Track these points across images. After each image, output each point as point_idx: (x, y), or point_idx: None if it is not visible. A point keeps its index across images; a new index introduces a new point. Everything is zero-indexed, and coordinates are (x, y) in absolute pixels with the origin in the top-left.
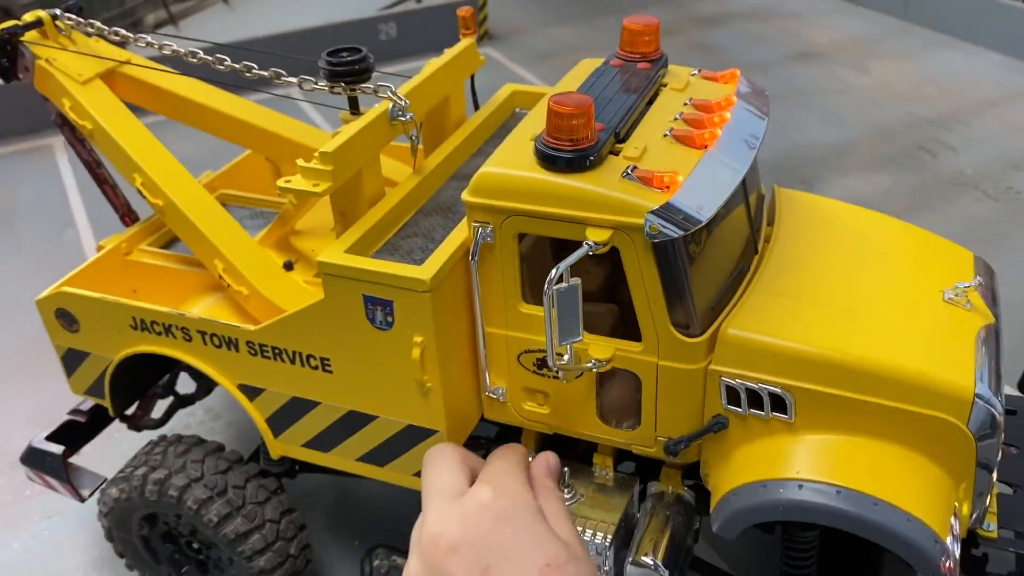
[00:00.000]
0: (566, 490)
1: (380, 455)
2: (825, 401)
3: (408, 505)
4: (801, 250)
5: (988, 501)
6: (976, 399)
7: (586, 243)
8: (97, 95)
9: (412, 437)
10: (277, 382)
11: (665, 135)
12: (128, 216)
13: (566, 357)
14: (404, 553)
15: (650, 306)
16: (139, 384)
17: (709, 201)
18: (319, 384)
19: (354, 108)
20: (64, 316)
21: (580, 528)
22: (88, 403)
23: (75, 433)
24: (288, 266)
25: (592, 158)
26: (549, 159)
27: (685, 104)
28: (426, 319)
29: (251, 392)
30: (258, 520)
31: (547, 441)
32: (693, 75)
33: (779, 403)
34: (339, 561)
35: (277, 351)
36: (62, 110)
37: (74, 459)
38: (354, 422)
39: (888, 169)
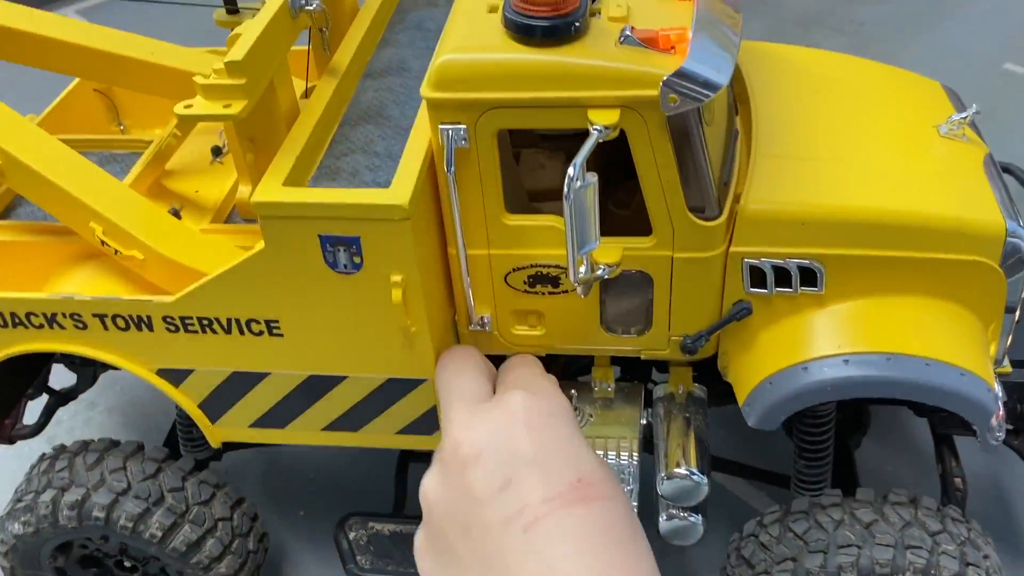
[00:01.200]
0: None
1: (353, 419)
2: (858, 264)
3: (346, 459)
4: (784, 104)
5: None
6: (1008, 236)
7: (593, 129)
8: None
9: (394, 392)
10: (208, 359)
11: None
12: None
13: (582, 268)
14: (380, 517)
15: (664, 192)
16: (10, 390)
17: (724, 60)
18: (266, 352)
19: (230, 4)
20: None
21: (600, 451)
22: None
23: None
24: (175, 213)
25: (578, 23)
26: (526, 30)
27: None
28: (407, 252)
29: (175, 376)
30: (208, 522)
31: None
32: None
33: (809, 276)
34: (292, 537)
35: (205, 322)
36: None
37: None
38: (316, 387)
39: None
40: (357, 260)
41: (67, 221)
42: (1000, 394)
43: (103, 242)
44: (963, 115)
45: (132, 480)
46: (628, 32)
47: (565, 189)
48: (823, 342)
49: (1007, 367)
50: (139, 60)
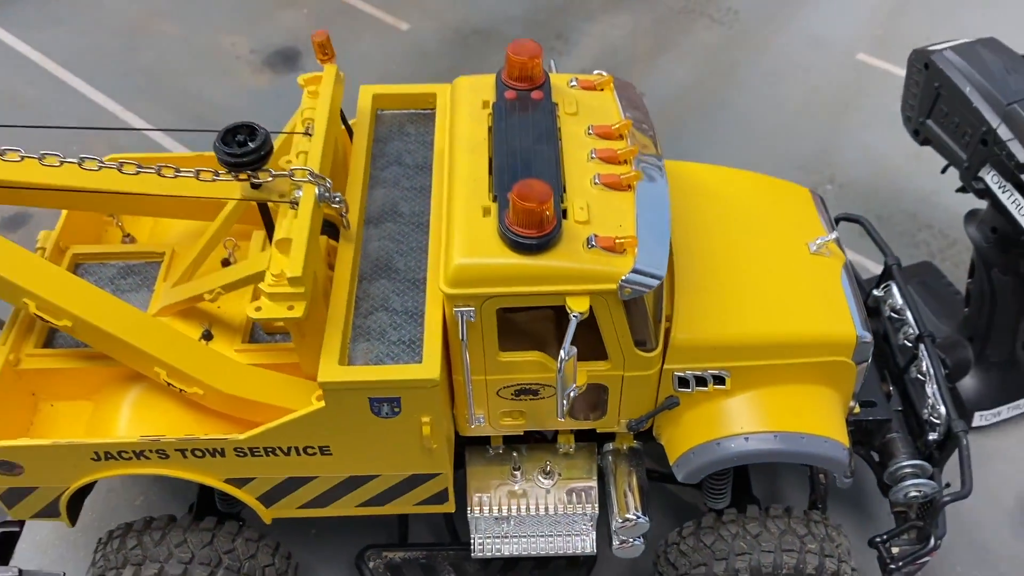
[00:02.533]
0: (543, 476)
1: (382, 499)
2: (754, 369)
3: None
4: (692, 233)
5: None
6: (858, 341)
7: (572, 315)
8: None
9: (415, 481)
10: (269, 470)
11: (595, 183)
12: None
13: (565, 403)
14: (392, 547)
15: (618, 340)
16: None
17: (660, 252)
18: (317, 464)
19: (256, 189)
20: (4, 465)
21: (571, 502)
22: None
23: (9, 542)
24: (207, 335)
25: (555, 237)
26: (521, 247)
27: (588, 133)
28: (434, 403)
29: (239, 482)
30: (258, 571)
31: (514, 437)
32: (572, 86)
33: (718, 379)
34: (309, 554)
35: (269, 450)
36: None
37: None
38: (355, 483)
39: (624, 6)
40: (396, 410)
41: (133, 366)
42: (849, 449)
43: (168, 383)
44: (827, 239)
45: (194, 549)
46: (593, 241)
47: (559, 364)
48: (729, 424)
49: (857, 409)
50: (144, 194)
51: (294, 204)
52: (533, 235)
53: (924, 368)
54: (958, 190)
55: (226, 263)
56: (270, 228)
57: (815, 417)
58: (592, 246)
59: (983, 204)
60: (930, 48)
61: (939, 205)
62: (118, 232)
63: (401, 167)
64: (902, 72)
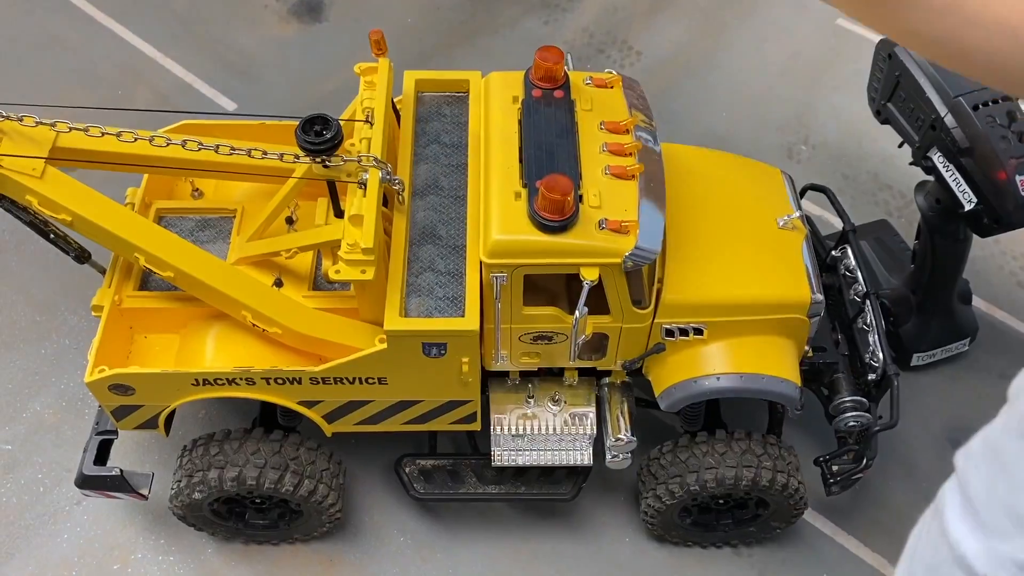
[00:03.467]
0: (551, 403)
1: (423, 419)
2: (725, 324)
3: None
4: (680, 210)
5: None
6: (811, 302)
7: (585, 283)
8: (60, 185)
9: (451, 406)
10: (335, 395)
11: (605, 173)
12: (82, 255)
13: (575, 349)
14: (424, 456)
15: (619, 300)
16: None
17: (656, 231)
18: (374, 390)
19: (326, 169)
20: (119, 388)
21: (574, 423)
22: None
23: (107, 447)
24: (279, 283)
25: (574, 220)
26: (546, 228)
27: (600, 128)
28: (472, 348)
29: (309, 404)
30: (317, 475)
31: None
32: (587, 84)
33: (697, 331)
34: (352, 462)
35: (338, 379)
36: (28, 207)
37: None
38: (403, 405)
39: None
40: (442, 352)
41: (222, 308)
42: (800, 387)
43: (253, 324)
44: (792, 216)
45: (267, 456)
46: (604, 224)
47: (575, 318)
48: (705, 366)
49: (810, 353)
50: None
51: (362, 184)
52: (556, 219)
53: (868, 320)
54: (910, 163)
55: (289, 221)
56: (335, 198)
57: (774, 361)
58: (603, 228)
59: (931, 178)
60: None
61: (898, 168)
62: (187, 187)
63: (440, 145)
64: (875, 39)
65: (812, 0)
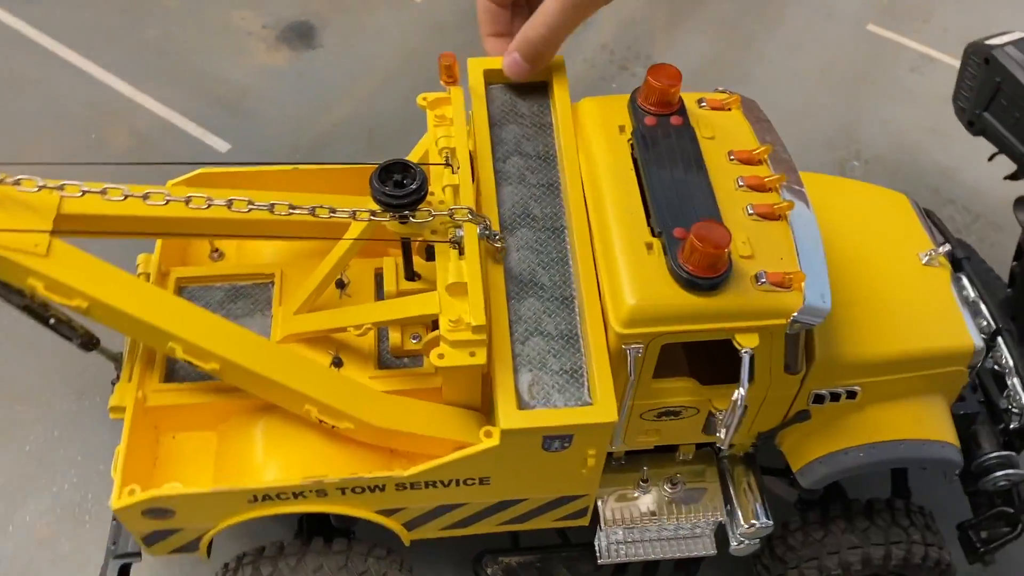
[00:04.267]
0: (668, 486)
1: (524, 518)
2: (882, 384)
3: None
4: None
5: None
6: (974, 351)
7: (744, 351)
8: (70, 264)
9: (562, 501)
10: (423, 501)
11: (749, 213)
12: (90, 342)
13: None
14: (507, 552)
15: (770, 367)
16: None
17: (822, 283)
18: (472, 492)
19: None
20: (155, 512)
21: (695, 504)
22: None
23: (127, 569)
24: (337, 362)
25: (728, 277)
26: (696, 286)
27: (731, 159)
28: (604, 438)
29: (389, 512)
30: None
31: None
32: (702, 106)
33: (850, 394)
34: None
35: (430, 483)
36: (32, 293)
37: None
38: (503, 505)
39: None
40: (566, 444)
41: (279, 403)
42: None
43: (320, 420)
44: (939, 252)
45: (332, 573)
46: (763, 278)
47: (737, 398)
48: (858, 434)
49: None
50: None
51: (454, 244)
52: (709, 275)
53: (1003, 361)
54: (1007, 177)
55: (340, 284)
56: (408, 259)
57: (932, 422)
58: (762, 282)
59: None
60: (989, 42)
61: (958, 181)
62: (204, 247)
63: (522, 157)
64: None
65: (840, 5)
